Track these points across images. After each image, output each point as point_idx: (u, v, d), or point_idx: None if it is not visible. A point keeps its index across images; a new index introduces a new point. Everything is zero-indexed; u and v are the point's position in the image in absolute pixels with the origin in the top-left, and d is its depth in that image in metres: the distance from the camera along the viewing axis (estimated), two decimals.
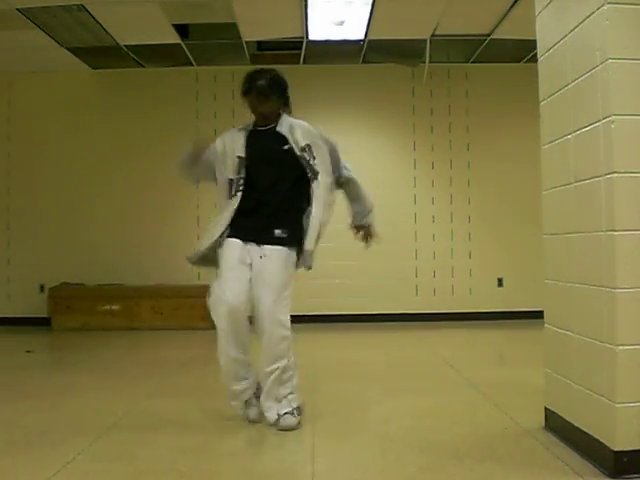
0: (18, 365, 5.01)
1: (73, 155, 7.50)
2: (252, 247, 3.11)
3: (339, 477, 2.49)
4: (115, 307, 6.99)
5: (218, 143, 3.29)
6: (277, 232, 3.11)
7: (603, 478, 2.30)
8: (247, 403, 3.16)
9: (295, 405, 3.09)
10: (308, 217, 3.15)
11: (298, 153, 3.16)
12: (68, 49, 6.73)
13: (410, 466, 2.50)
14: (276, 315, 3.02)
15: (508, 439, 2.81)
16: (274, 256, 3.08)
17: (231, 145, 3.24)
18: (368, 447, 2.79)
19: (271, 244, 3.10)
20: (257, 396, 3.16)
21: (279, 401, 3.06)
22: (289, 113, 3.32)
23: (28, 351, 5.56)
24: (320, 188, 3.15)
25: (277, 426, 3.03)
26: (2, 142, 7.49)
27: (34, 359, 5.39)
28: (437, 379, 4.29)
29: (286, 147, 3.18)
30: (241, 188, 3.15)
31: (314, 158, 3.17)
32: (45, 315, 7.13)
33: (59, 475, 2.40)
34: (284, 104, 3.29)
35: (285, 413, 3.04)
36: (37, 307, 7.27)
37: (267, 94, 3.19)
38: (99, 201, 7.48)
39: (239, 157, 3.19)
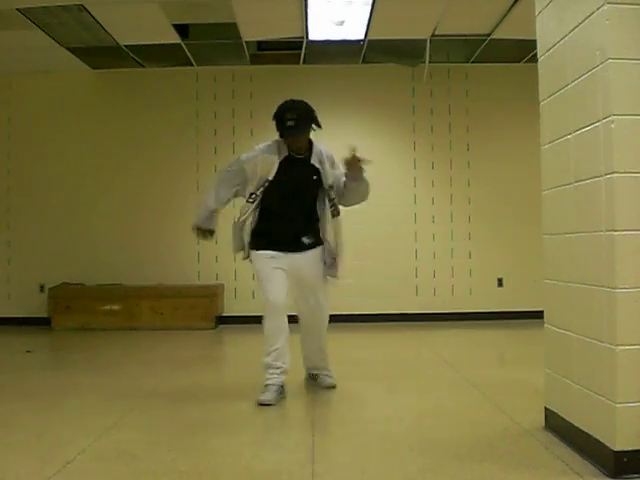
0: (18, 365, 5.01)
1: (73, 155, 7.49)
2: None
3: (339, 477, 2.48)
4: (115, 307, 6.99)
5: (248, 168, 3.58)
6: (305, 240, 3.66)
7: (603, 478, 2.30)
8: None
9: None
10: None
11: (326, 187, 3.63)
12: (68, 49, 6.72)
13: (410, 466, 2.50)
14: None
15: (508, 439, 2.82)
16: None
17: (264, 169, 3.55)
18: (368, 447, 2.79)
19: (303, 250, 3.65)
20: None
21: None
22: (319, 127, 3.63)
23: (28, 351, 5.56)
24: (341, 224, 3.74)
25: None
26: (2, 142, 7.48)
27: (34, 359, 5.39)
28: (437, 379, 4.29)
29: (315, 178, 3.61)
30: (259, 199, 3.57)
31: (334, 196, 3.66)
32: (45, 315, 7.13)
33: (59, 475, 2.40)
34: (316, 128, 3.61)
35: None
36: (37, 307, 7.27)
37: (301, 134, 3.50)
38: (99, 201, 7.47)
39: (268, 180, 3.55)
